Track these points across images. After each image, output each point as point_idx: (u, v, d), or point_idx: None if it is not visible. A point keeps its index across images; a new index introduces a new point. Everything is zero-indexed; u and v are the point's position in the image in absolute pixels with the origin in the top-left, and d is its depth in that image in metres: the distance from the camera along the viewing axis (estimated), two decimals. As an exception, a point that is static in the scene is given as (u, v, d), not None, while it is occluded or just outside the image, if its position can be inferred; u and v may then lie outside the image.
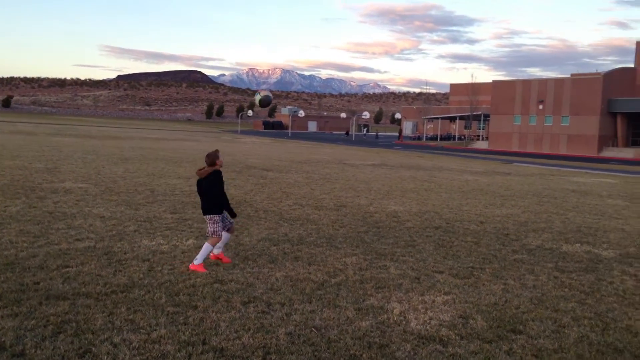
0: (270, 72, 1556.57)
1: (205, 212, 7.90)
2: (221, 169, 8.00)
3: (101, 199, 13.39)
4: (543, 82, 63.04)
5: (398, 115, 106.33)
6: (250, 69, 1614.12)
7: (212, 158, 7.87)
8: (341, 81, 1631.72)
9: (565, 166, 39.02)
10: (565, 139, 60.47)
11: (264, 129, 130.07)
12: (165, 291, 6.53)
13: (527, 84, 64.51)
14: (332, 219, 12.12)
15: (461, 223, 12.26)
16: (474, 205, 15.33)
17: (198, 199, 14.19)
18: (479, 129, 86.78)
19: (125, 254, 8.22)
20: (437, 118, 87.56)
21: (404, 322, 5.87)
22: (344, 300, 6.51)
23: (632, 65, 62.60)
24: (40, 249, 8.21)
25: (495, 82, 68.76)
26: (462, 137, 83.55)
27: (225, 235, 8.03)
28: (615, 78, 59.53)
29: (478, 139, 77.97)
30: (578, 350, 5.30)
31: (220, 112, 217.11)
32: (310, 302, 6.37)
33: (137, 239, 9.26)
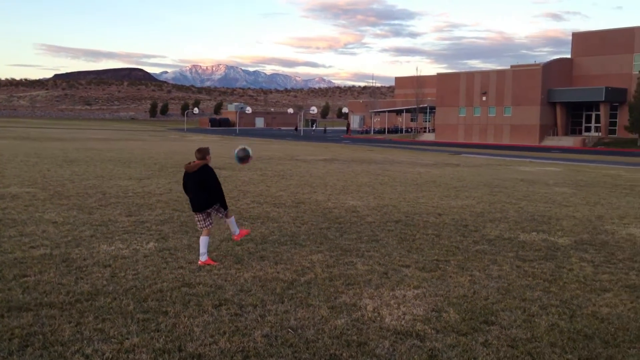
0: (214, 68, 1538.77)
1: (203, 208, 8.01)
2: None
3: (51, 203, 12.94)
4: (486, 74, 64.50)
5: (345, 110, 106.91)
6: (194, 65, 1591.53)
7: (204, 152, 8.04)
8: (286, 76, 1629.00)
9: (511, 156, 40.04)
10: (508, 129, 62.08)
11: (211, 126, 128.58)
12: (132, 297, 6.34)
13: (470, 76, 65.88)
14: (292, 216, 12.06)
15: (420, 216, 12.40)
16: (430, 197, 15.53)
17: (152, 200, 13.98)
18: (425, 122, 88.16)
19: (84, 260, 7.95)
20: (384, 111, 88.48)
21: (378, 318, 5.87)
22: (316, 298, 6.47)
23: (568, 56, 64.68)
24: (-7, 259, 7.86)
25: (440, 75, 69.95)
26: (410, 130, 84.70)
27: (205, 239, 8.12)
28: (553, 69, 61.43)
29: (424, 132, 79.18)
30: (550, 339, 5.41)
31: (164, 111, 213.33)
32: (282, 302, 6.30)
33: (94, 244, 8.97)
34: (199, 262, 7.88)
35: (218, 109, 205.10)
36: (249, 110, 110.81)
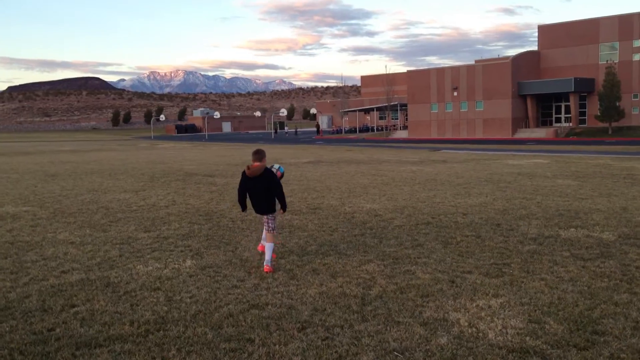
0: (172, 74, 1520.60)
1: (268, 211, 8.02)
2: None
3: (57, 222, 12.22)
4: (456, 70, 64.90)
5: (314, 111, 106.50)
6: (152, 72, 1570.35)
7: (262, 154, 7.80)
8: (246, 80, 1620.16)
9: (490, 150, 40.19)
10: (481, 123, 62.56)
11: (177, 132, 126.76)
12: (205, 324, 5.82)
13: (440, 72, 66.21)
14: (316, 223, 11.60)
15: (446, 216, 12.07)
16: (442, 196, 15.23)
17: (161, 213, 13.34)
18: (393, 119, 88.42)
19: (127, 284, 7.37)
20: (355, 110, 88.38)
21: (480, 334, 5.47)
22: (400, 314, 6.04)
23: (523, 49, 65.52)
24: (28, 287, 7.22)
25: (410, 72, 70.12)
26: (381, 128, 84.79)
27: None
28: (522, 62, 62.14)
29: (396, 129, 79.35)
30: (673, 345, 5.10)
31: (127, 119, 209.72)
32: (367, 321, 5.86)
33: (129, 265, 8.38)
34: (264, 269, 7.82)
35: (182, 115, 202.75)
36: (217, 115, 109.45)
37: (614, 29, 58.79)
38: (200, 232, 10.93)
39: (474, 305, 6.30)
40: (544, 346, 5.14)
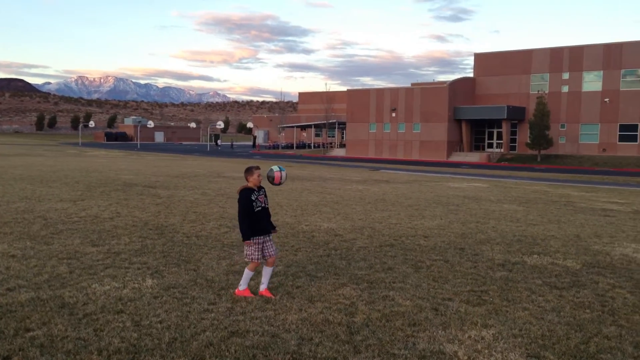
0: (102, 80, 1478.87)
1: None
2: (252, 186, 7.28)
3: (-8, 232, 11.22)
4: (395, 91, 65.91)
5: (250, 125, 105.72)
6: (80, 77, 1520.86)
7: (246, 174, 7.26)
8: (179, 90, 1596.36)
9: (429, 171, 40.78)
10: (417, 145, 63.64)
11: (107, 140, 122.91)
12: (183, 354, 5.28)
13: (380, 92, 67.06)
14: (276, 242, 11.11)
15: (407, 238, 11.86)
16: (397, 217, 15.07)
17: (106, 225, 12.53)
18: (330, 137, 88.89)
19: (85, 305, 6.70)
20: (292, 126, 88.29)
21: (482, 367, 5.19)
22: (394, 346, 5.69)
23: (452, 76, 67.44)
24: (-29, 308, 6.42)
25: (350, 91, 70.69)
26: (318, 145, 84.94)
27: (265, 270, 7.44)
28: (458, 87, 63.80)
29: (333, 147, 79.67)
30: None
31: (52, 123, 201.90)
32: (361, 353, 5.47)
33: (82, 283, 7.67)
34: (236, 292, 7.37)
35: (112, 122, 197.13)
36: (150, 124, 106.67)
37: (545, 60, 61.30)
38: (155, 247, 10.25)
39: (466, 336, 6.03)
40: (553, 384, 4.89)
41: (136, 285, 7.61)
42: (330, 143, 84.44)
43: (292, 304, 7.00)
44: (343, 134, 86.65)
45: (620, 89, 57.47)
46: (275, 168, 7.53)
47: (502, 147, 63.05)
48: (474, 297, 7.52)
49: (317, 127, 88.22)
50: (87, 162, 39.48)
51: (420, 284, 8.17)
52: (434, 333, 6.08)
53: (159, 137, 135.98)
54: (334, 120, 77.14)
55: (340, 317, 6.53)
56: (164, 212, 14.87)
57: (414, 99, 63.65)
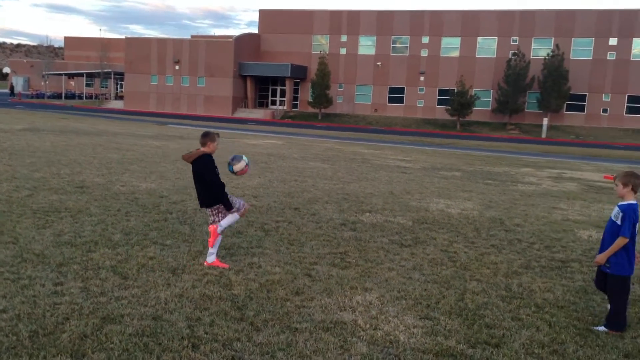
0: None
1: (207, 205, 6.82)
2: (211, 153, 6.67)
3: None
4: (179, 42, 63.40)
5: (7, 70, 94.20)
6: None
7: (205, 138, 6.67)
8: None
9: (218, 127, 40.19)
10: (202, 99, 62.31)
11: None
12: (57, 352, 4.33)
13: (162, 42, 64.01)
14: (97, 206, 9.93)
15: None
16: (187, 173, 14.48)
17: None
18: (102, 87, 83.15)
19: None
20: (60, 74, 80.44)
21: (391, 337, 5.07)
22: (292, 319, 5.31)
23: (227, 31, 67.57)
24: None
25: (129, 39, 66.28)
26: (90, 96, 78.84)
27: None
28: (244, 43, 63.46)
29: (108, 99, 74.62)
30: (568, 334, 5.37)
31: None
32: (261, 330, 5.01)
33: None
34: (206, 263, 6.81)
35: None
36: None
37: (325, 22, 63.63)
38: (-52, 216, 8.47)
39: (355, 302, 5.89)
40: (462, 346, 4.97)
41: None
42: (105, 94, 78.84)
43: (155, 278, 6.23)
44: (118, 85, 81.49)
45: (391, 54, 62.12)
46: (245, 159, 6.98)
47: (285, 105, 64.62)
48: (338, 260, 7.43)
49: (89, 77, 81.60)
50: None
51: (279, 248, 7.86)
52: (322, 301, 5.84)
53: None
54: (109, 70, 71.97)
55: (218, 290, 5.97)
56: (-61, 171, 12.44)
57: (198, 52, 61.90)
